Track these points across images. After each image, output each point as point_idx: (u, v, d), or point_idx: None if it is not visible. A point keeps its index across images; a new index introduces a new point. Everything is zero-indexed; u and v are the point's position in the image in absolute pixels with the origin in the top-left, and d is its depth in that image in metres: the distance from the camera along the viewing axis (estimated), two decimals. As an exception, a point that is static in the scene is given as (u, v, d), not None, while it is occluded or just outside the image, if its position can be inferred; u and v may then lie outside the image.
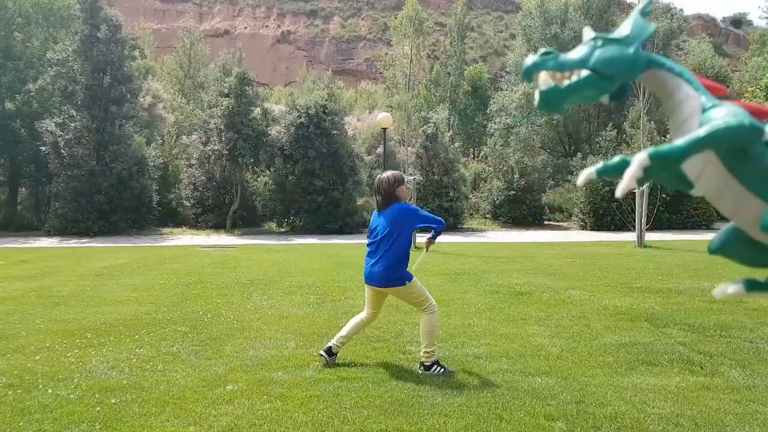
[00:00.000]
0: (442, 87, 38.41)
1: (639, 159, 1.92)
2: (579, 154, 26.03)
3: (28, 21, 23.90)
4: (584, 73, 2.10)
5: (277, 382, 3.88)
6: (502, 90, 34.13)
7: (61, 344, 4.93)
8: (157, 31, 60.33)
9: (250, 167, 21.77)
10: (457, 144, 25.49)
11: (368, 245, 4.31)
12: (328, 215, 21.03)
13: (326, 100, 21.68)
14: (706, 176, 2.20)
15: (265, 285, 8.33)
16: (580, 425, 3.17)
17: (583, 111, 33.33)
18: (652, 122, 24.54)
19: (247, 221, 23.14)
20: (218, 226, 21.85)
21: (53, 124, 20.11)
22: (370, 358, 4.49)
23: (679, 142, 1.95)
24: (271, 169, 21.95)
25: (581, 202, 23.32)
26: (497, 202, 24.58)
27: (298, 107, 21.53)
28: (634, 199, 16.22)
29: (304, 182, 20.89)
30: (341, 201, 21.19)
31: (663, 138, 23.41)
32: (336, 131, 21.50)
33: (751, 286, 2.29)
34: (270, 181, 22.87)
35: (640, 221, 15.14)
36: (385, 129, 22.25)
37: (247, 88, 21.31)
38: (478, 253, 13.16)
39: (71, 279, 9.11)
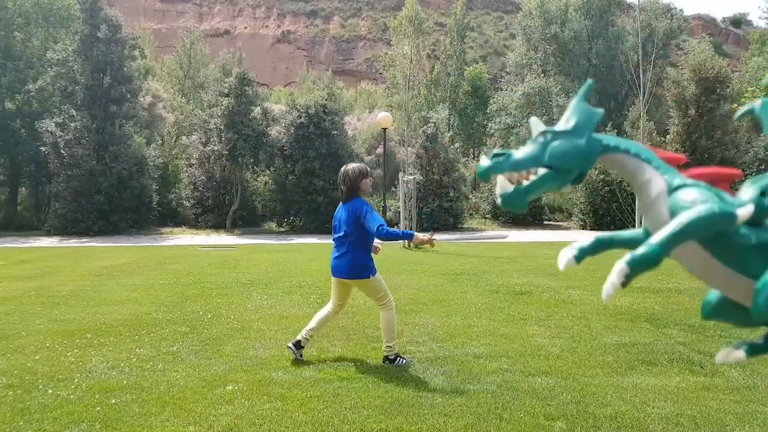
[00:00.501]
0: (442, 87, 38.41)
1: (619, 269, 1.95)
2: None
3: (28, 21, 23.90)
4: (541, 170, 2.11)
5: (277, 382, 3.88)
6: (502, 90, 34.13)
7: (61, 344, 4.93)
8: (157, 31, 60.31)
9: (250, 167, 21.77)
10: (457, 144, 25.48)
11: (334, 239, 4.40)
12: (328, 215, 21.00)
13: (326, 100, 21.68)
14: (686, 258, 2.23)
15: (265, 285, 8.33)
16: (580, 425, 3.17)
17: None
18: (652, 122, 24.53)
19: (247, 221, 23.14)
20: (218, 226, 21.85)
21: (53, 124, 20.11)
22: (370, 358, 4.49)
23: (655, 241, 1.96)
24: (271, 169, 21.95)
25: (581, 202, 23.31)
26: (497, 202, 24.59)
27: (298, 107, 21.52)
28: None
29: (304, 182, 20.89)
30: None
31: (662, 138, 23.41)
32: (336, 131, 21.50)
33: (752, 351, 2.34)
34: (270, 181, 22.87)
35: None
36: (385, 129, 22.25)
37: (247, 88, 21.31)
38: (478, 253, 13.16)
39: (71, 279, 9.11)
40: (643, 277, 8.95)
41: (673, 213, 2.08)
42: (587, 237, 2.49)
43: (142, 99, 24.76)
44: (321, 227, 20.86)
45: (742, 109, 2.38)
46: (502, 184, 2.14)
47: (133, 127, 21.39)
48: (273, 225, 23.10)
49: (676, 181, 2.15)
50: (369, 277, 4.24)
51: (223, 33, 75.49)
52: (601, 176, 21.85)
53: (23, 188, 25.20)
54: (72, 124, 20.04)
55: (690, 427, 3.15)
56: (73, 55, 20.43)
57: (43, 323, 5.80)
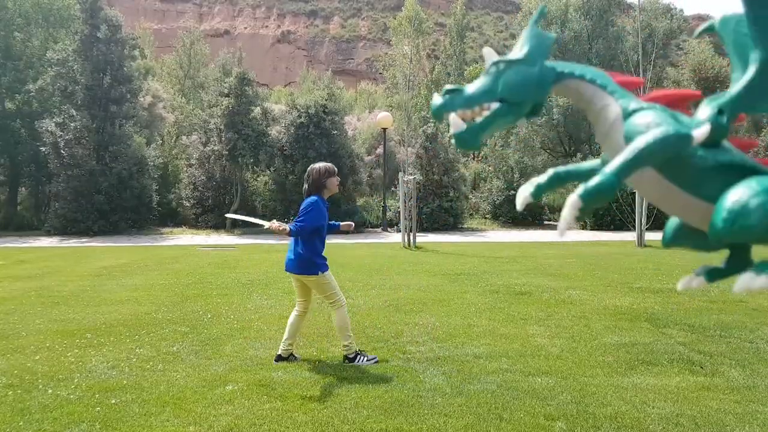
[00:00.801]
0: (442, 87, 38.42)
1: (571, 202, 1.90)
2: (579, 154, 26.02)
3: (28, 21, 23.89)
4: (494, 105, 2.04)
5: (277, 382, 3.88)
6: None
7: (61, 344, 4.93)
8: (157, 31, 60.34)
9: (250, 167, 21.76)
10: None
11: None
12: (328, 215, 21.04)
13: (326, 100, 21.68)
14: (643, 185, 2.14)
15: (265, 285, 8.33)
16: (580, 425, 3.17)
17: (584, 111, 33.34)
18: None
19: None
20: (218, 226, 21.85)
21: (53, 124, 20.11)
22: (370, 358, 4.49)
23: (609, 169, 1.90)
24: (271, 169, 21.95)
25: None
26: (497, 202, 24.58)
27: (298, 107, 21.52)
28: (634, 199, 16.22)
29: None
30: (341, 201, 21.18)
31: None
32: (336, 131, 21.50)
33: (712, 275, 2.26)
34: (270, 181, 22.88)
35: (640, 221, 15.14)
36: (385, 129, 22.27)
37: (247, 88, 21.30)
38: (478, 253, 13.16)
39: (71, 279, 9.11)
40: (643, 277, 8.95)
41: (629, 138, 2.01)
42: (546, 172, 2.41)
43: (142, 99, 24.76)
44: (321, 227, 20.86)
45: (701, 26, 2.29)
46: (455, 123, 2.06)
47: (133, 127, 21.39)
48: (273, 225, 23.08)
49: (632, 106, 2.08)
50: (317, 274, 4.29)
51: (223, 33, 75.52)
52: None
53: (23, 188, 25.20)
54: (72, 124, 20.04)
55: (690, 427, 3.15)
56: (73, 55, 20.43)
57: (43, 323, 5.81)
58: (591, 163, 2.43)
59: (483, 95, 2.06)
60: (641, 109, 2.07)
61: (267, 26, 79.40)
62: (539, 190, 2.31)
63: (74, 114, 20.24)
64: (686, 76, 23.13)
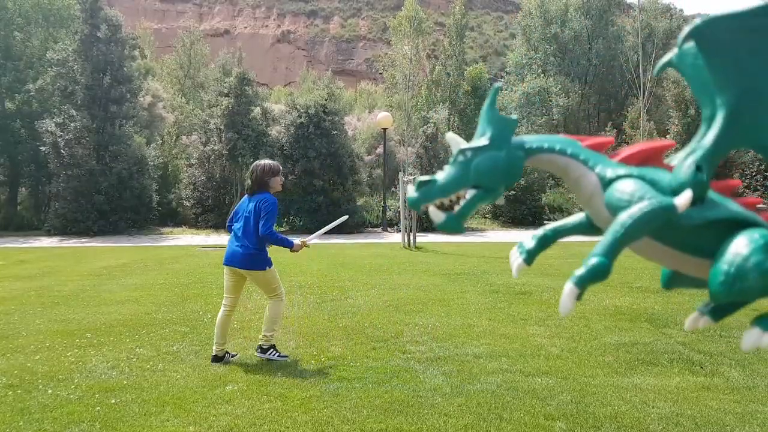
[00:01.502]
0: (442, 87, 38.40)
1: (568, 290, 1.91)
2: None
3: (27, 21, 23.89)
4: (470, 192, 2.07)
5: (277, 382, 3.88)
6: (502, 90, 34.14)
7: (61, 344, 4.93)
8: (157, 31, 60.34)
9: (250, 167, 21.78)
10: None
11: (233, 228, 4.46)
12: (328, 215, 21.01)
13: (326, 100, 21.68)
14: (641, 250, 2.16)
15: (265, 285, 8.32)
16: (580, 425, 3.17)
17: (583, 111, 33.34)
18: (652, 122, 24.54)
19: (247, 221, 23.13)
20: (218, 226, 21.84)
21: (53, 124, 20.10)
22: (370, 358, 4.49)
23: (599, 251, 1.91)
24: (271, 169, 21.94)
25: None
26: (497, 202, 24.58)
27: (297, 107, 21.53)
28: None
29: (304, 182, 20.89)
30: (341, 201, 21.19)
31: (663, 138, 23.42)
32: (336, 131, 21.50)
33: (716, 314, 2.30)
34: (270, 181, 22.87)
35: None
36: (385, 129, 22.27)
37: (247, 88, 21.31)
38: (478, 253, 13.16)
39: (71, 279, 9.11)
40: (644, 277, 8.95)
41: (610, 207, 2.02)
42: (533, 234, 2.44)
43: (142, 99, 24.76)
44: (321, 227, 20.84)
45: (659, 64, 2.25)
46: (435, 214, 2.11)
47: (133, 127, 21.38)
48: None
49: (608, 174, 2.08)
50: (265, 269, 4.32)
51: (223, 33, 75.53)
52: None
53: (23, 188, 25.18)
54: (72, 124, 20.03)
55: (690, 427, 3.15)
56: (73, 55, 20.43)
57: (43, 323, 5.80)
58: (577, 217, 2.44)
59: (457, 185, 2.10)
60: (618, 177, 2.07)
61: (267, 26, 79.40)
62: (531, 256, 2.38)
63: (74, 114, 20.24)
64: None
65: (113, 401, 3.54)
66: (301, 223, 21.81)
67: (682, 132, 22.72)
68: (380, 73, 46.82)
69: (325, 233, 4.80)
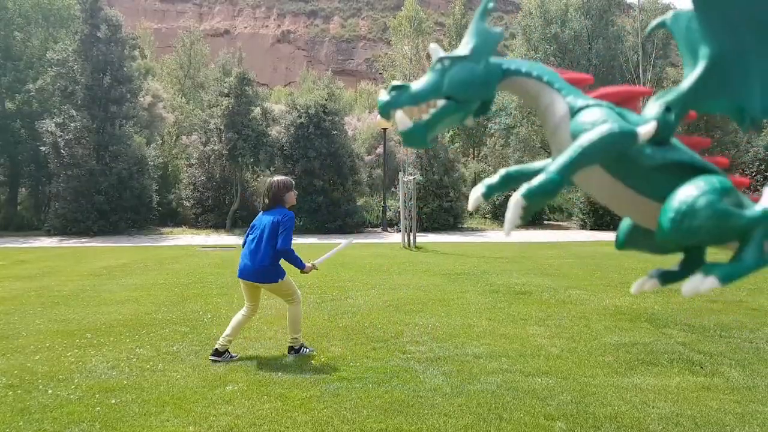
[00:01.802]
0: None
1: (514, 202, 1.85)
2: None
3: (28, 21, 23.89)
4: (441, 102, 2.00)
5: (277, 382, 3.88)
6: (502, 90, 34.12)
7: (61, 344, 4.93)
8: (157, 31, 60.34)
9: (250, 167, 21.76)
10: (457, 144, 25.47)
11: (248, 242, 4.55)
12: (328, 215, 21.03)
13: (326, 100, 21.68)
14: (590, 183, 2.10)
15: (265, 285, 8.32)
16: (580, 425, 3.17)
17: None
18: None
19: (247, 221, 23.11)
20: (218, 226, 21.85)
21: (53, 124, 20.10)
22: (370, 358, 4.49)
23: (553, 168, 1.85)
24: (271, 169, 21.94)
25: (581, 201, 23.32)
26: (497, 202, 24.58)
27: (298, 107, 21.52)
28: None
29: (304, 182, 20.88)
30: (341, 201, 21.19)
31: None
32: (336, 131, 21.50)
33: (666, 278, 2.23)
34: (270, 181, 22.86)
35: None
36: (385, 129, 22.27)
37: (247, 88, 21.31)
38: (478, 253, 13.16)
39: (71, 279, 9.11)
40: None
41: (575, 136, 1.97)
42: (498, 172, 2.37)
43: (142, 99, 24.75)
44: (321, 227, 20.86)
45: (654, 22, 2.25)
46: (401, 121, 2.01)
47: (133, 127, 21.38)
48: (273, 225, 23.09)
49: (579, 103, 2.04)
50: (278, 281, 4.46)
51: (223, 33, 75.53)
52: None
53: (23, 188, 25.18)
54: (72, 124, 20.03)
55: (690, 427, 3.15)
56: (73, 55, 20.42)
57: (43, 323, 5.81)
58: (542, 162, 2.38)
59: (429, 92, 2.02)
60: (588, 106, 2.03)
61: (267, 26, 79.40)
62: (491, 190, 2.29)
63: (74, 114, 20.24)
64: (686, 76, 23.14)
65: (113, 401, 3.54)
66: (301, 223, 21.81)
67: (682, 132, 22.73)
68: (380, 73, 46.82)
69: (333, 255, 4.93)
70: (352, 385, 3.80)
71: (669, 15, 2.12)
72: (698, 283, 1.92)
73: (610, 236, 19.07)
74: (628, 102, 2.13)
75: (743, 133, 19.97)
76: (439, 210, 21.96)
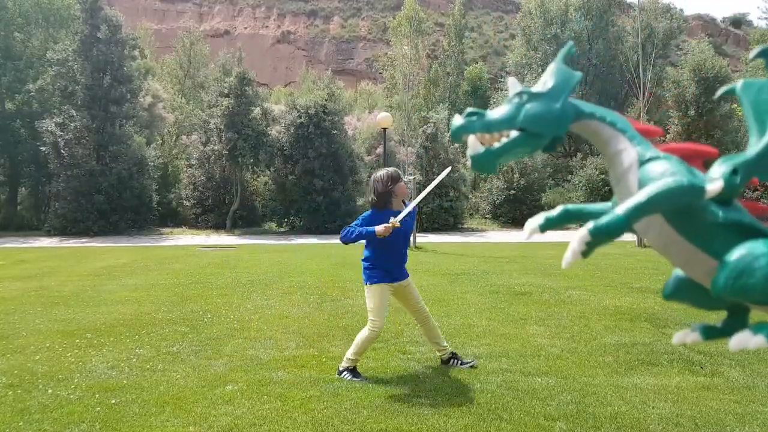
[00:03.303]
0: (441, 87, 38.39)
1: (580, 236, 1.89)
2: (579, 154, 26.02)
3: (28, 21, 23.90)
4: (513, 133, 2.05)
5: (277, 382, 3.88)
6: (502, 90, 34.14)
7: (61, 344, 4.93)
8: (157, 31, 60.30)
9: (250, 167, 21.77)
10: (457, 144, 25.41)
11: None
12: (328, 215, 21.03)
13: (326, 100, 21.69)
14: (650, 232, 2.15)
15: (265, 285, 8.33)
16: (580, 425, 3.17)
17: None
18: (652, 122, 24.53)
19: (247, 221, 23.14)
20: (218, 226, 21.86)
21: (53, 124, 20.11)
22: (370, 358, 4.48)
23: (620, 211, 1.91)
24: (271, 169, 21.95)
25: (581, 202, 23.32)
26: (497, 202, 24.59)
27: (297, 107, 21.52)
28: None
29: (304, 182, 20.89)
30: (341, 201, 21.19)
31: (662, 139, 23.44)
32: (336, 131, 21.50)
33: (708, 334, 2.30)
34: (270, 181, 22.88)
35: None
36: (385, 129, 22.24)
37: (247, 88, 21.32)
38: (478, 253, 13.16)
39: (71, 279, 9.11)
40: (644, 278, 8.95)
41: (642, 185, 2.02)
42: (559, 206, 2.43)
43: (142, 99, 24.76)
44: (321, 227, 20.86)
45: (723, 89, 2.32)
46: (473, 145, 2.06)
47: (133, 127, 21.40)
48: (273, 225, 23.10)
49: (649, 154, 2.09)
50: (366, 284, 4.08)
51: (223, 33, 75.51)
52: (602, 176, 21.88)
53: (23, 188, 25.20)
54: (72, 124, 20.04)
55: (690, 427, 3.15)
56: (73, 55, 20.44)
57: (43, 323, 5.80)
58: (602, 204, 2.47)
59: (503, 122, 2.08)
60: (658, 158, 2.09)
61: (267, 26, 79.38)
62: (548, 223, 2.34)
63: (74, 114, 20.25)
64: (686, 76, 23.13)
65: (113, 401, 3.54)
66: (301, 223, 21.81)
67: (682, 132, 22.73)
68: (380, 73, 46.82)
69: (431, 188, 4.23)
70: (352, 385, 3.80)
71: (739, 83, 2.19)
72: (747, 340, 1.99)
73: (610, 236, 19.04)
74: (692, 159, 2.21)
75: None
76: (439, 210, 21.96)
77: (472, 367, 4.20)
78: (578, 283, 8.34)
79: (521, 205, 24.23)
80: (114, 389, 3.75)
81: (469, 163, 2.11)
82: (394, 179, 4.06)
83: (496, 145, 2.07)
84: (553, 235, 19.69)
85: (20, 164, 23.51)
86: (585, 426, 3.16)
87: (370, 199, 4.12)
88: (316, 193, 20.88)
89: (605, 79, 32.66)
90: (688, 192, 1.94)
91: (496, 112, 2.10)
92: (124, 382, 3.91)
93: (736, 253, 1.94)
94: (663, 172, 2.00)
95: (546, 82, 2.14)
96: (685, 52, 29.47)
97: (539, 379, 3.94)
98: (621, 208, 1.93)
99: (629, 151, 2.13)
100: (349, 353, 4.01)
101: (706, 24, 77.21)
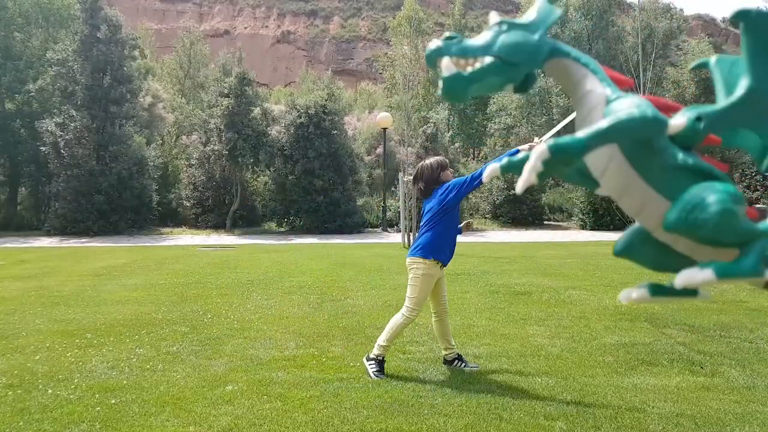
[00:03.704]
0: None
1: (539, 151, 1.88)
2: (579, 154, 25.99)
3: (28, 21, 23.89)
4: (488, 59, 2.05)
5: (277, 382, 3.88)
6: (501, 90, 34.12)
7: (61, 344, 4.93)
8: (157, 31, 60.31)
9: (250, 167, 21.76)
10: (457, 144, 25.46)
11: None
12: (327, 215, 21.03)
13: (326, 100, 21.68)
14: (609, 172, 2.15)
15: (265, 285, 8.33)
16: (580, 425, 3.17)
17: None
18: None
19: (247, 221, 23.14)
20: (218, 226, 21.85)
21: (53, 124, 20.11)
22: (370, 358, 4.48)
23: (581, 134, 1.91)
24: (271, 169, 21.95)
25: (581, 202, 23.32)
26: (497, 202, 24.59)
27: (297, 107, 21.52)
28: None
29: (304, 182, 20.89)
30: (341, 201, 21.19)
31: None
32: (336, 131, 21.50)
33: (655, 291, 2.25)
34: (270, 181, 22.88)
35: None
36: (385, 129, 22.27)
37: (247, 88, 21.31)
38: (478, 253, 13.16)
39: (71, 279, 9.11)
40: (644, 278, 8.94)
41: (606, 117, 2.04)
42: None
43: (142, 99, 24.75)
44: (321, 227, 20.87)
45: (696, 61, 2.33)
46: (447, 67, 2.05)
47: (133, 127, 21.39)
48: (273, 225, 23.10)
49: (616, 94, 2.11)
50: (424, 258, 3.93)
51: (223, 33, 75.53)
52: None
53: (23, 188, 25.19)
54: (72, 124, 20.04)
55: (690, 427, 3.15)
56: (73, 55, 20.43)
57: (43, 323, 5.80)
58: None
59: (480, 48, 2.07)
60: (626, 96, 2.10)
61: (267, 26, 79.37)
62: (510, 164, 2.34)
63: (74, 114, 20.24)
64: (686, 76, 23.15)
65: (113, 401, 3.54)
66: (301, 223, 21.81)
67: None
68: (380, 73, 46.82)
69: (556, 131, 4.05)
70: (352, 385, 3.80)
71: (713, 58, 2.24)
72: (694, 274, 1.97)
73: (610, 236, 19.07)
74: (661, 111, 2.19)
75: (761, 172, 20.11)
76: (439, 210, 21.93)
77: (474, 369, 4.20)
78: (578, 283, 8.34)
79: (521, 205, 24.23)
80: (114, 389, 3.75)
81: (440, 88, 2.09)
82: (443, 167, 4.12)
83: (470, 69, 2.06)
84: (553, 236, 19.66)
85: (20, 164, 23.50)
86: (585, 426, 3.16)
87: (420, 186, 4.15)
88: (316, 193, 20.88)
89: (605, 79, 32.69)
90: (651, 123, 1.95)
91: (474, 39, 2.10)
92: (124, 382, 3.91)
93: (691, 191, 1.95)
94: (629, 105, 2.01)
95: (528, 15, 2.16)
96: (685, 52, 29.49)
97: (539, 379, 3.94)
98: (583, 132, 1.93)
99: (598, 91, 2.14)
100: (382, 339, 4.01)
101: (706, 24, 77.21)
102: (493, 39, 2.08)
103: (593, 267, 10.33)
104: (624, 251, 2.33)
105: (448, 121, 35.65)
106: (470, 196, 25.47)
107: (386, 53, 46.45)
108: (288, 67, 73.77)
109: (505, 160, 2.32)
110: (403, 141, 29.52)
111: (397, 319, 4.04)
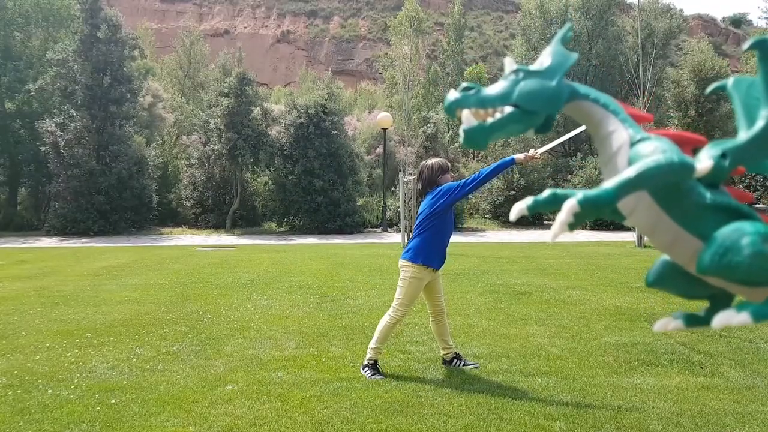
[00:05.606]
0: (441, 87, 38.39)
1: (569, 206, 1.89)
2: (579, 154, 26.00)
3: (27, 21, 23.87)
4: (507, 109, 2.06)
5: (277, 382, 3.88)
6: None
7: (61, 344, 4.93)
8: (157, 31, 60.27)
9: (250, 167, 21.76)
10: (457, 144, 25.41)
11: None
12: (327, 215, 21.02)
13: (326, 100, 21.67)
14: (637, 213, 2.15)
15: (265, 285, 8.33)
16: (580, 425, 3.17)
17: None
18: (652, 122, 24.63)
19: (247, 221, 23.13)
20: (218, 226, 21.84)
21: (53, 124, 20.10)
22: (370, 358, 4.48)
23: (609, 184, 1.92)
24: (271, 169, 21.94)
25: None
26: (497, 202, 24.58)
27: (297, 107, 21.51)
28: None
29: (303, 182, 20.88)
30: (341, 201, 21.18)
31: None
32: (336, 131, 21.49)
33: (690, 321, 2.28)
34: (270, 181, 22.87)
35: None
36: (385, 129, 22.27)
37: (247, 88, 21.30)
38: (478, 253, 13.16)
39: (71, 279, 9.11)
40: (643, 277, 8.93)
41: (632, 164, 2.03)
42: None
43: (142, 99, 24.73)
44: (321, 227, 20.86)
45: (714, 84, 2.34)
46: (467, 119, 2.07)
47: (133, 127, 21.37)
48: (273, 225, 23.09)
49: (639, 136, 2.11)
50: (412, 262, 3.98)
51: (223, 33, 75.51)
52: (601, 177, 21.86)
53: (23, 188, 25.16)
54: (72, 124, 20.03)
55: (690, 427, 3.15)
56: (73, 55, 20.41)
57: (43, 323, 5.81)
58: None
59: (498, 98, 2.08)
60: (649, 138, 2.11)
61: (267, 26, 79.37)
62: (536, 205, 2.35)
63: (74, 114, 20.24)
64: (686, 76, 23.13)
65: (113, 401, 3.54)
66: (301, 223, 21.80)
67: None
68: (380, 73, 46.82)
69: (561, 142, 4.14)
70: (352, 385, 3.80)
71: (730, 80, 2.21)
72: (731, 317, 1.98)
73: (610, 236, 19.07)
74: (682, 146, 2.22)
75: None
76: (439, 210, 21.93)
77: (474, 368, 4.20)
78: (578, 283, 8.34)
79: (521, 205, 24.19)
80: (114, 389, 3.75)
81: (461, 138, 2.11)
82: (444, 170, 4.12)
83: (490, 120, 2.07)
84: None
85: (20, 164, 23.48)
86: (585, 426, 3.16)
87: (418, 186, 4.20)
88: (316, 193, 20.87)
89: (605, 79, 32.68)
90: (678, 169, 1.95)
91: (491, 88, 2.11)
92: (124, 382, 3.91)
93: (722, 232, 1.95)
94: (654, 150, 2.01)
95: (543, 61, 2.16)
96: (685, 52, 29.46)
97: (539, 379, 3.94)
98: (610, 182, 1.93)
99: (620, 133, 2.14)
100: (373, 342, 4.03)
101: (706, 24, 77.17)
102: (511, 88, 2.09)
103: (593, 267, 10.33)
104: (656, 283, 2.37)
105: (448, 121, 35.63)
106: (470, 195, 25.46)
107: (386, 53, 46.44)
108: (288, 67, 73.77)
109: (531, 201, 2.33)
110: (403, 141, 29.50)
111: (384, 320, 4.08)
